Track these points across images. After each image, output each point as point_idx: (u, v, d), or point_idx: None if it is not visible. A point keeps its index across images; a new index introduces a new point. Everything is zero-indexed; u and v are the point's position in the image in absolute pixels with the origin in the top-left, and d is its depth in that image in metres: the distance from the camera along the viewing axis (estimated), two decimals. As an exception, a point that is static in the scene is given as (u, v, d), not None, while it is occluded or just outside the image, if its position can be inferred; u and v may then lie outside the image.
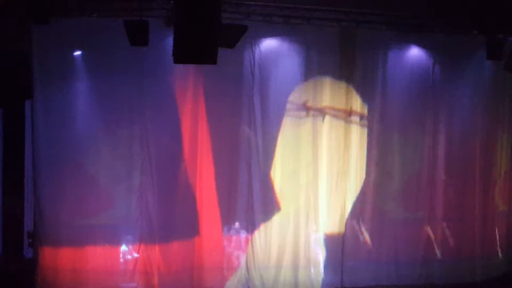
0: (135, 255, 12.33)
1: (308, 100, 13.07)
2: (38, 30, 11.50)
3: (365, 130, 13.36)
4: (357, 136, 13.33)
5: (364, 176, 13.37)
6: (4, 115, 11.81)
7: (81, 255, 12.13)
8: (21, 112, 11.95)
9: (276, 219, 13.00)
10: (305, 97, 13.06)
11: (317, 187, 13.15)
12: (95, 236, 12.19)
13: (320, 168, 13.16)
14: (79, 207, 12.08)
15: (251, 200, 12.82)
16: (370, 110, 13.36)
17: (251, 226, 12.86)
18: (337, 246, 13.26)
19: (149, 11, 11.51)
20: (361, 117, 13.34)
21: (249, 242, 12.85)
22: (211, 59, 7.78)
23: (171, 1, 11.11)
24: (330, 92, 13.17)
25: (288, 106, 13.00)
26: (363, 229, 13.38)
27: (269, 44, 12.83)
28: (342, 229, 13.26)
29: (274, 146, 12.93)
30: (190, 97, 12.49)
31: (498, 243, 14.32)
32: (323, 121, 13.14)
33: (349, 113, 13.25)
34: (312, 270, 13.16)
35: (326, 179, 13.21)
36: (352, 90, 13.23)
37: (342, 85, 13.19)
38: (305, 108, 13.09)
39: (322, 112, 13.15)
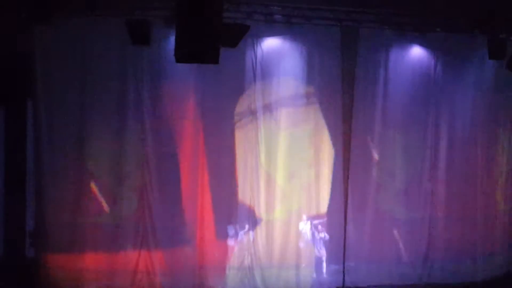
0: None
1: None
2: (40, 29, 11.52)
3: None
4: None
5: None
6: (6, 114, 11.81)
7: (83, 254, 12.14)
8: (23, 112, 11.95)
9: (278, 218, 13.01)
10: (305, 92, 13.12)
11: (319, 187, 13.16)
12: (97, 236, 12.20)
13: (322, 167, 13.17)
14: (81, 206, 12.10)
15: (254, 200, 12.82)
16: (371, 109, 13.37)
17: (253, 226, 12.87)
18: (339, 246, 13.26)
19: (151, 10, 11.53)
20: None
21: (252, 242, 12.85)
22: (212, 58, 7.78)
23: (173, 1, 11.11)
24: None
25: (290, 104, 13.03)
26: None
27: (271, 43, 12.83)
28: (343, 228, 13.26)
29: (277, 145, 12.93)
30: (191, 97, 12.50)
31: (499, 243, 14.30)
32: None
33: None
34: (314, 269, 13.17)
35: (328, 179, 13.21)
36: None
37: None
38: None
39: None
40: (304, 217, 13.12)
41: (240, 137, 12.82)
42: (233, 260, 12.83)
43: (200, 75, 12.28)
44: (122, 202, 12.33)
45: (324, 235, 13.20)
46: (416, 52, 13.57)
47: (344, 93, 13.22)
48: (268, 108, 12.88)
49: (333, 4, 12.32)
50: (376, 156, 13.40)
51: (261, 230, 12.92)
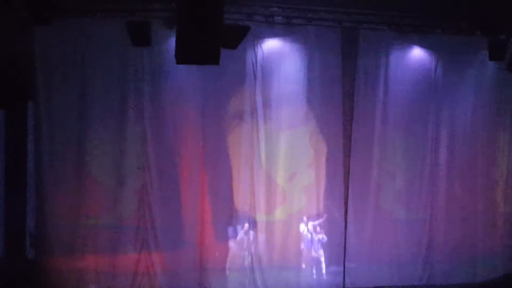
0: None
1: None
2: (40, 30, 11.53)
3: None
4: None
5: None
6: (6, 115, 11.80)
7: (83, 256, 12.16)
8: (24, 113, 11.95)
9: (278, 219, 13.00)
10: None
11: (319, 187, 13.16)
12: (97, 237, 12.21)
13: (322, 168, 13.16)
14: (82, 207, 12.12)
15: (254, 201, 12.82)
16: (371, 109, 13.36)
17: (253, 227, 12.86)
18: (339, 247, 13.25)
19: (152, 12, 11.53)
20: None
21: (252, 243, 12.85)
22: (213, 59, 7.76)
23: (173, 2, 11.12)
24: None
25: (291, 104, 13.04)
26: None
27: (271, 44, 12.84)
28: (344, 229, 13.25)
29: (277, 146, 12.93)
30: (192, 98, 12.51)
31: (499, 244, 14.28)
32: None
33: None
34: (314, 271, 13.18)
35: (329, 179, 13.20)
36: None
37: None
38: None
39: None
40: (304, 218, 13.12)
41: (240, 137, 12.82)
42: (234, 261, 12.84)
43: (200, 76, 12.28)
44: (122, 203, 12.34)
45: (323, 236, 13.19)
46: (417, 53, 13.57)
47: (344, 93, 13.21)
48: (268, 108, 12.89)
49: (334, 5, 12.32)
50: (376, 156, 13.39)
51: (261, 231, 12.92)
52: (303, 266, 13.13)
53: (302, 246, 13.11)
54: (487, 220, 14.14)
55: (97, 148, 12.18)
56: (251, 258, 12.84)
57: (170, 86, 12.37)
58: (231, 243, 12.81)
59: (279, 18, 12.29)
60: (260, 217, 12.89)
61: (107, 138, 12.26)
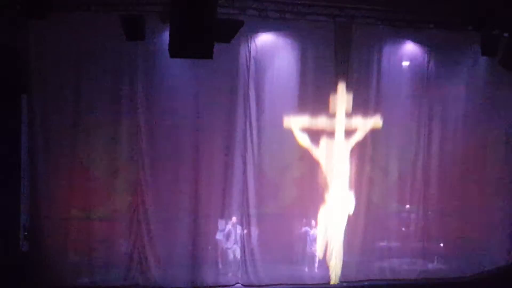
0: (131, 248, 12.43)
1: None
2: (34, 24, 11.53)
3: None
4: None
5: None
6: (0, 109, 11.80)
7: (77, 248, 12.21)
8: (18, 106, 11.96)
9: (270, 212, 13.04)
10: None
11: (311, 181, 13.21)
12: (91, 229, 12.25)
13: (315, 161, 13.20)
14: (76, 200, 12.16)
15: (246, 194, 12.86)
16: (364, 104, 13.40)
17: (246, 221, 12.90)
18: (331, 241, 13.28)
19: (145, 6, 11.55)
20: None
21: (244, 236, 12.88)
22: (207, 53, 7.82)
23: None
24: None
25: (284, 98, 13.07)
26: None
27: (264, 39, 12.89)
28: (337, 224, 13.29)
29: (269, 139, 12.97)
30: (185, 91, 12.53)
31: (492, 238, 14.33)
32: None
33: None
34: (306, 264, 13.23)
35: (321, 172, 13.24)
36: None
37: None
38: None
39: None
40: (296, 211, 13.16)
41: (234, 130, 12.85)
42: (226, 254, 12.88)
43: (194, 70, 12.31)
44: (116, 196, 12.39)
45: (315, 230, 13.23)
46: (410, 48, 13.66)
47: (337, 88, 13.21)
48: (261, 101, 12.92)
49: (327, 0, 12.35)
50: (369, 150, 13.43)
51: (253, 224, 12.95)
52: (295, 260, 13.18)
53: (294, 239, 13.17)
54: (479, 214, 14.21)
55: (90, 141, 12.22)
56: (244, 251, 12.88)
57: (163, 80, 12.40)
58: (224, 237, 12.86)
59: (272, 12, 12.32)
60: (253, 211, 12.92)
61: (101, 130, 12.29)
